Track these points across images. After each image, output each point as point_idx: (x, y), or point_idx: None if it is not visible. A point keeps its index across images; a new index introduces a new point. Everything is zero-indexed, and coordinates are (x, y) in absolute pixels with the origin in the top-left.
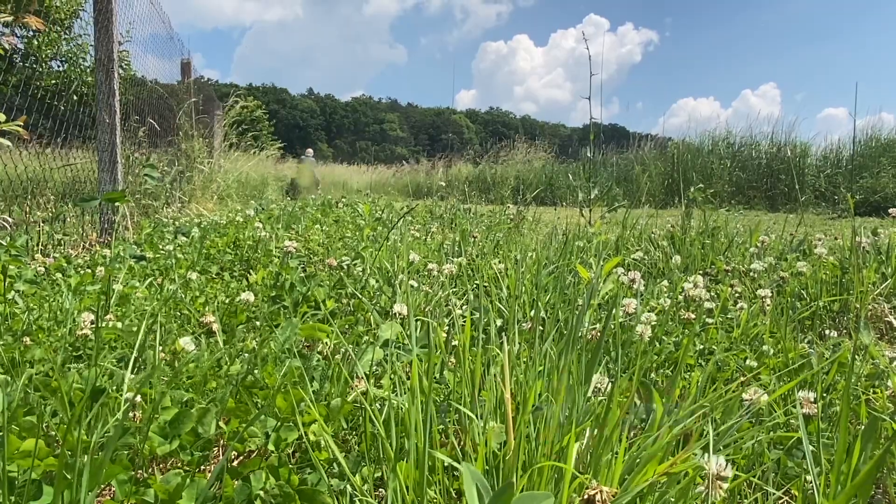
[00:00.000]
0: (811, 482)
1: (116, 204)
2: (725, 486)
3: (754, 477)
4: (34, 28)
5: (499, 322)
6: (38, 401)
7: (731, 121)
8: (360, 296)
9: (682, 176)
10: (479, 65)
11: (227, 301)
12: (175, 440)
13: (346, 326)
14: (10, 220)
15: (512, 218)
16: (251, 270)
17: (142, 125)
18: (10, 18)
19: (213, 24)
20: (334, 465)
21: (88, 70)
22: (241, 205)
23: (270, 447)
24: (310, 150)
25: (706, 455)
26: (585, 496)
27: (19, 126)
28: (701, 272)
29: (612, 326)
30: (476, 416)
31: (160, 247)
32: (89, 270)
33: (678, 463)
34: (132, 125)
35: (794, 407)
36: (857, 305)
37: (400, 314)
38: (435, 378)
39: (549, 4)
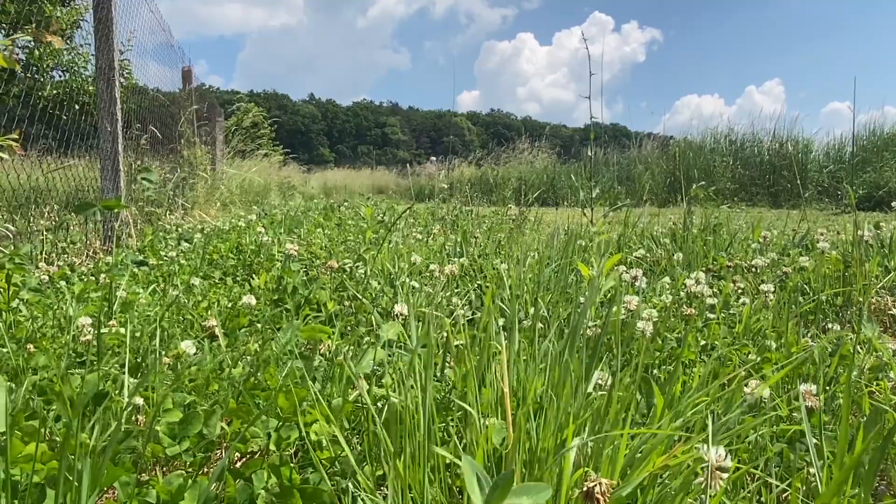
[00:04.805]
0: (814, 474)
1: (116, 211)
2: (725, 476)
3: (756, 469)
4: (56, 46)
5: (500, 321)
6: (42, 405)
7: (735, 118)
8: (361, 297)
9: (685, 174)
10: (483, 66)
11: (229, 305)
12: (185, 441)
13: (348, 328)
14: (12, 228)
15: (514, 218)
16: (254, 275)
17: (144, 133)
18: (29, 38)
19: (217, 31)
20: (336, 464)
21: (90, 80)
22: (245, 211)
23: (272, 447)
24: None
25: (706, 446)
26: (584, 488)
27: (13, 140)
28: (703, 269)
29: (614, 323)
30: (477, 412)
31: (163, 253)
32: (93, 278)
33: (678, 454)
34: (134, 133)
35: (797, 400)
36: (861, 299)
37: (401, 314)
38: (436, 376)
39: (554, 5)
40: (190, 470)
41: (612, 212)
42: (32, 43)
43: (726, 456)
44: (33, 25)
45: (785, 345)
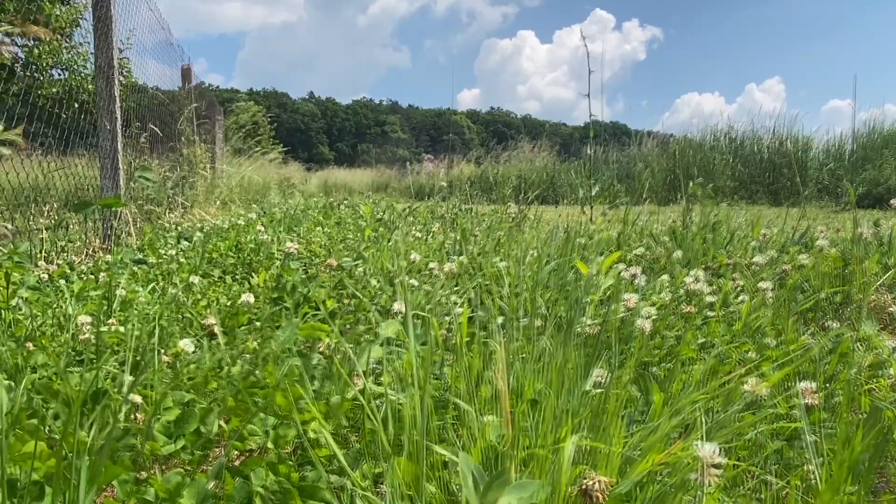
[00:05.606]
0: (813, 472)
1: (115, 209)
2: (719, 473)
3: (755, 466)
4: (39, 38)
5: (500, 319)
6: (41, 404)
7: (736, 116)
8: (360, 295)
9: (684, 172)
10: (483, 64)
11: (228, 303)
12: (180, 440)
13: (347, 326)
14: (10, 227)
15: (513, 217)
16: (253, 273)
17: (143, 132)
18: (14, 29)
19: (217, 29)
20: (334, 461)
21: (89, 78)
22: (244, 209)
23: (270, 445)
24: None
25: (699, 443)
26: (582, 486)
27: (17, 135)
28: (702, 266)
29: (613, 320)
30: (474, 410)
31: (162, 252)
32: (92, 276)
33: (676, 452)
34: (133, 132)
35: (796, 397)
36: (860, 296)
37: (400, 312)
38: (434, 374)
39: (555, 3)
40: (188, 468)
41: (611, 209)
42: (31, 42)
43: (718, 452)
44: (20, 19)
45: (784, 342)
